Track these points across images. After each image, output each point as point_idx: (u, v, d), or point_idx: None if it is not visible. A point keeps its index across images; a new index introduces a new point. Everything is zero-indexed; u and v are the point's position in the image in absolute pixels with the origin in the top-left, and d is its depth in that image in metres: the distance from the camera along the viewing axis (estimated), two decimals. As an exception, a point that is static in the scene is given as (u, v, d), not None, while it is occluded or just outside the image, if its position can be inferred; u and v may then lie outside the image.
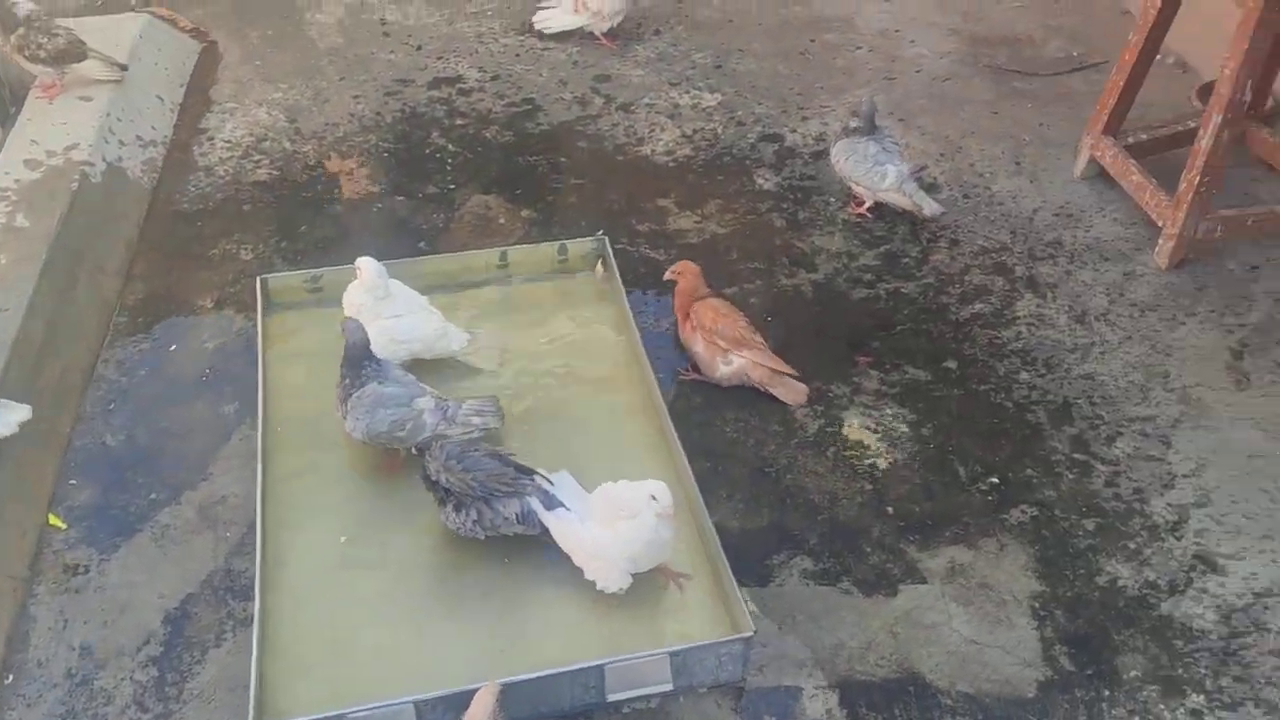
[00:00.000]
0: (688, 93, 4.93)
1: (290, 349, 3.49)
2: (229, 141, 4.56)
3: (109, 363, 3.56)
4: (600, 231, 4.03)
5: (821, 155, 4.53)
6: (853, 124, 4.42)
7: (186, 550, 3.01)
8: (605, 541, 2.75)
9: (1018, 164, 4.53)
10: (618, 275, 3.66)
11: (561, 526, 2.80)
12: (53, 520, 3.05)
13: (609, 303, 3.68)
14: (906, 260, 4.05)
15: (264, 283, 3.60)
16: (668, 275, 3.56)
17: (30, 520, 3.02)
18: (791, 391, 3.46)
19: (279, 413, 3.25)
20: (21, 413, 3.01)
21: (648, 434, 3.21)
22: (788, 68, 5.12)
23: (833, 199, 4.32)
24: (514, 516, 2.78)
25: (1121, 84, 4.22)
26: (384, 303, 3.30)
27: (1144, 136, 4.40)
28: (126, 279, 3.87)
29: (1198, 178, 3.84)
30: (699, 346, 3.47)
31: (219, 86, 4.89)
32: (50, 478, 3.15)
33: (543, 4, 5.32)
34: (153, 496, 3.14)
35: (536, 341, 3.53)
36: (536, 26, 5.25)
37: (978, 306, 3.86)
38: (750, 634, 2.62)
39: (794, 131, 4.70)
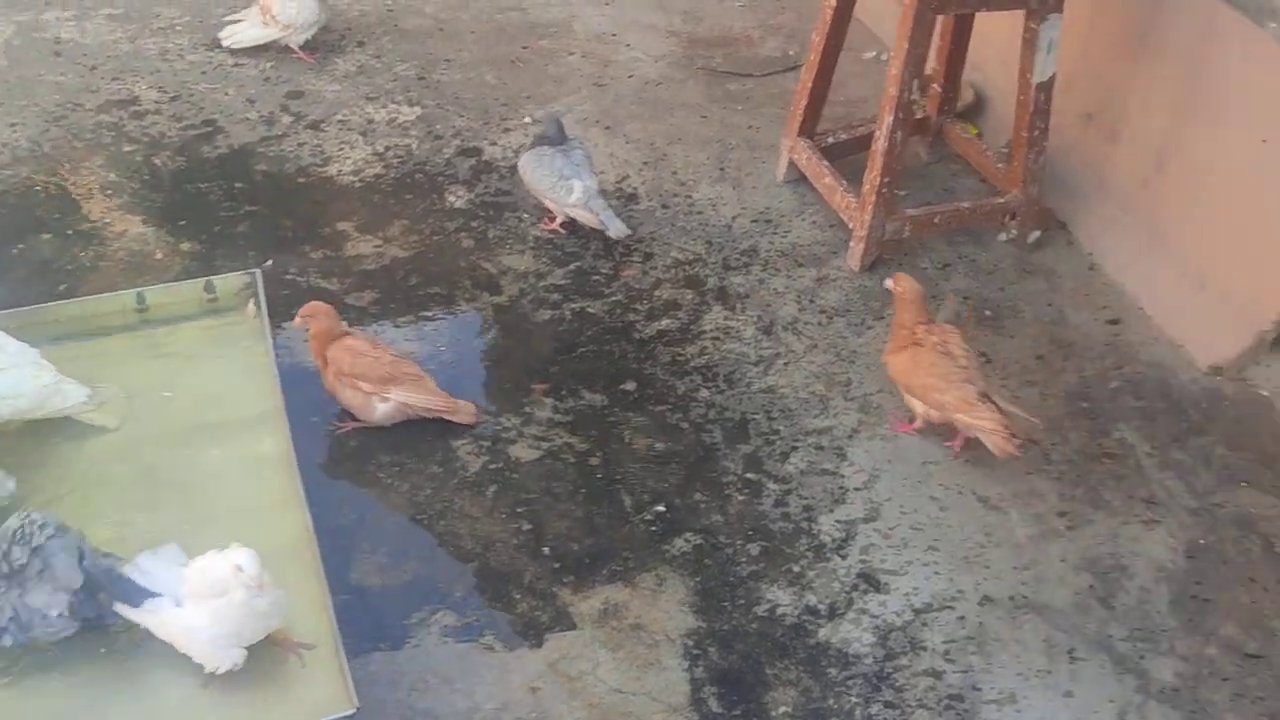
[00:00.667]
0: (385, 107, 4.67)
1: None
2: None
3: None
4: (269, 263, 3.75)
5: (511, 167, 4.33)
6: (536, 131, 4.20)
7: None
8: (201, 623, 2.46)
9: (721, 170, 4.43)
10: (265, 313, 3.36)
11: (151, 618, 2.50)
12: None
13: (261, 344, 3.38)
14: (596, 278, 3.88)
15: None
16: (296, 322, 3.27)
17: None
18: (461, 413, 3.25)
19: None
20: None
21: (280, 489, 2.93)
22: (496, 77, 4.91)
23: (526, 215, 4.13)
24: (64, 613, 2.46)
25: (810, 84, 4.14)
26: (-22, 358, 2.94)
27: (843, 137, 4.34)
28: None
29: (878, 178, 3.79)
30: (346, 394, 3.21)
31: None
32: None
33: (230, 17, 4.96)
34: None
35: (169, 392, 3.21)
36: (225, 43, 4.89)
37: (664, 323, 3.72)
38: (350, 711, 2.38)
39: (494, 144, 4.49)
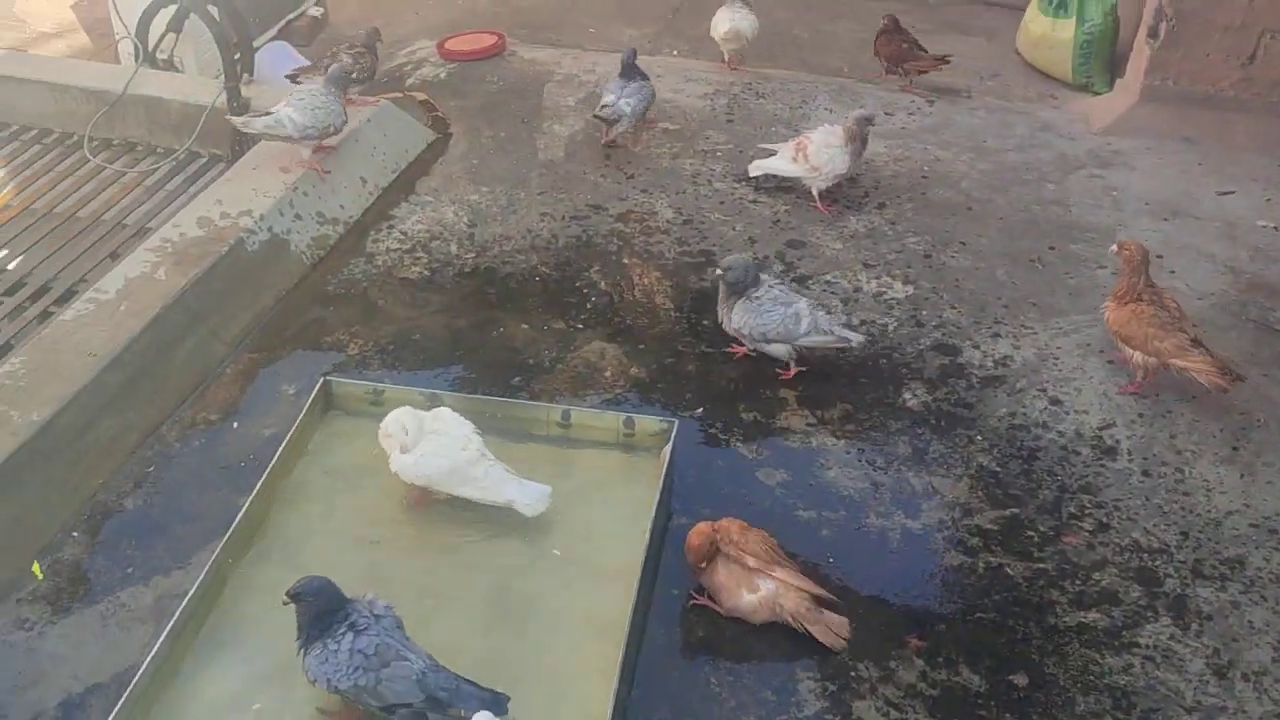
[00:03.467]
0: (879, 278, 4.47)
1: (320, 460, 3.42)
2: (404, 234, 4.64)
3: (174, 426, 3.66)
4: (699, 411, 3.72)
5: (994, 381, 3.93)
6: (730, 279, 3.85)
7: (123, 637, 2.98)
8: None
9: (1234, 449, 3.69)
10: (666, 464, 3.29)
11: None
12: (35, 568, 3.13)
13: (652, 495, 3.31)
14: (1031, 534, 3.38)
15: (327, 385, 3.58)
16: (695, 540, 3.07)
17: (15, 560, 3.11)
18: (831, 629, 2.95)
19: (268, 520, 3.17)
20: None
21: (604, 657, 2.81)
22: (1008, 274, 4.52)
23: (980, 437, 3.71)
24: None
25: None
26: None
27: None
28: (236, 348, 3.99)
29: None
30: (719, 574, 3.02)
31: (428, 179, 5.03)
32: (56, 525, 3.25)
33: (765, 145, 5.04)
34: (128, 570, 3.16)
35: (553, 514, 3.24)
36: (751, 172, 4.99)
37: (1092, 615, 3.13)
38: None
39: (976, 348, 4.12)
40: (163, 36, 5.41)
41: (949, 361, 4.05)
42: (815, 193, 4.86)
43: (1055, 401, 3.87)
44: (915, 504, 3.47)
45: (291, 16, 6.58)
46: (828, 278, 4.47)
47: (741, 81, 5.93)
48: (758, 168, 4.96)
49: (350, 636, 2.58)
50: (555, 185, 5.01)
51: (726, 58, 6.07)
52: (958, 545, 3.34)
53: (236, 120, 4.54)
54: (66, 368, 3.51)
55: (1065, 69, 6.38)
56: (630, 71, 5.21)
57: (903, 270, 4.53)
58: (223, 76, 5.18)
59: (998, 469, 3.59)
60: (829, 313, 4.01)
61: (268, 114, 4.47)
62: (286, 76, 5.33)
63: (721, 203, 4.93)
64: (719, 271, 3.86)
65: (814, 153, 4.76)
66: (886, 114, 5.66)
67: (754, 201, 4.94)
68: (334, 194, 4.65)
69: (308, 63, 5.94)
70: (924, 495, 3.50)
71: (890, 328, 4.21)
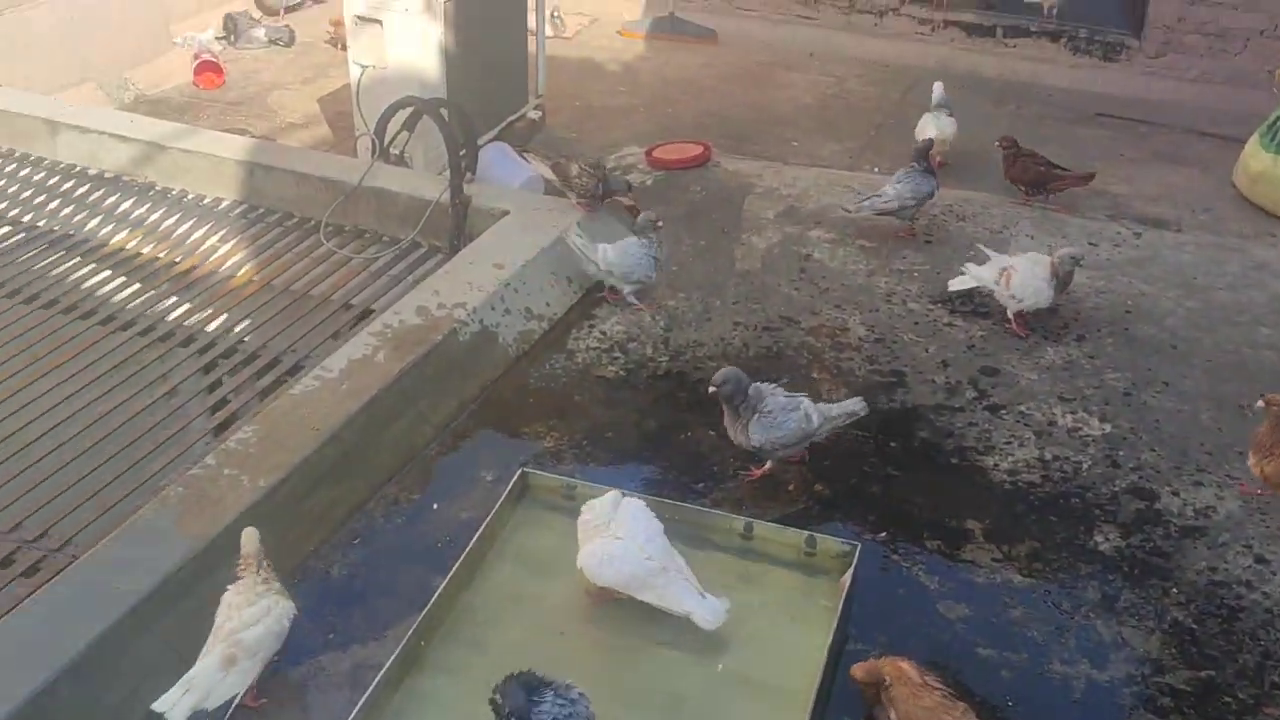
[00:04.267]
0: (1074, 413, 4.39)
1: (512, 548, 3.58)
2: (603, 334, 4.84)
3: (380, 502, 3.90)
4: (881, 535, 3.72)
5: (1194, 532, 3.79)
6: (724, 393, 3.86)
7: (319, 700, 3.17)
8: None
9: None
10: (847, 592, 3.30)
11: None
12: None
13: (828, 624, 3.32)
14: (1230, 700, 3.22)
15: (524, 477, 3.75)
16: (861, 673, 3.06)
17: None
18: None
19: (459, 603, 3.34)
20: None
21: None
22: (1214, 419, 4.37)
23: (1175, 589, 3.58)
24: None
25: None
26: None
27: None
28: (442, 432, 4.23)
29: None
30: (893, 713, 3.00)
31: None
32: (267, 588, 3.50)
33: (969, 266, 5.04)
34: (330, 636, 3.36)
35: (731, 628, 3.28)
36: (951, 287, 5.00)
37: (1293, 797, 2.95)
38: None
39: (1175, 494, 3.98)
40: (396, 134, 5.85)
41: (1145, 507, 3.93)
42: (1011, 314, 4.84)
43: (1261, 560, 3.69)
44: (1103, 654, 3.36)
45: (512, 118, 7.02)
46: (1021, 408, 4.42)
47: (943, 203, 5.95)
48: (959, 283, 4.96)
49: None
50: (750, 295, 5.14)
51: (938, 160, 6.33)
52: (1147, 704, 3.21)
53: (572, 239, 4.87)
54: (291, 439, 3.80)
55: (1286, 207, 6.18)
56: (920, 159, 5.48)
57: (1100, 407, 4.43)
58: (448, 173, 5.56)
59: (1194, 626, 3.45)
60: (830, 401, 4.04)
61: (594, 247, 4.83)
62: (520, 151, 5.56)
63: (915, 323, 4.95)
64: (712, 389, 3.87)
65: (1018, 283, 4.75)
66: (1091, 244, 5.58)
67: (949, 324, 4.94)
68: (541, 292, 4.90)
69: (526, 163, 6.31)
70: (1112, 646, 3.39)
71: (1084, 466, 4.12)
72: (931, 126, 6.49)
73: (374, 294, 5.11)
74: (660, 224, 5.00)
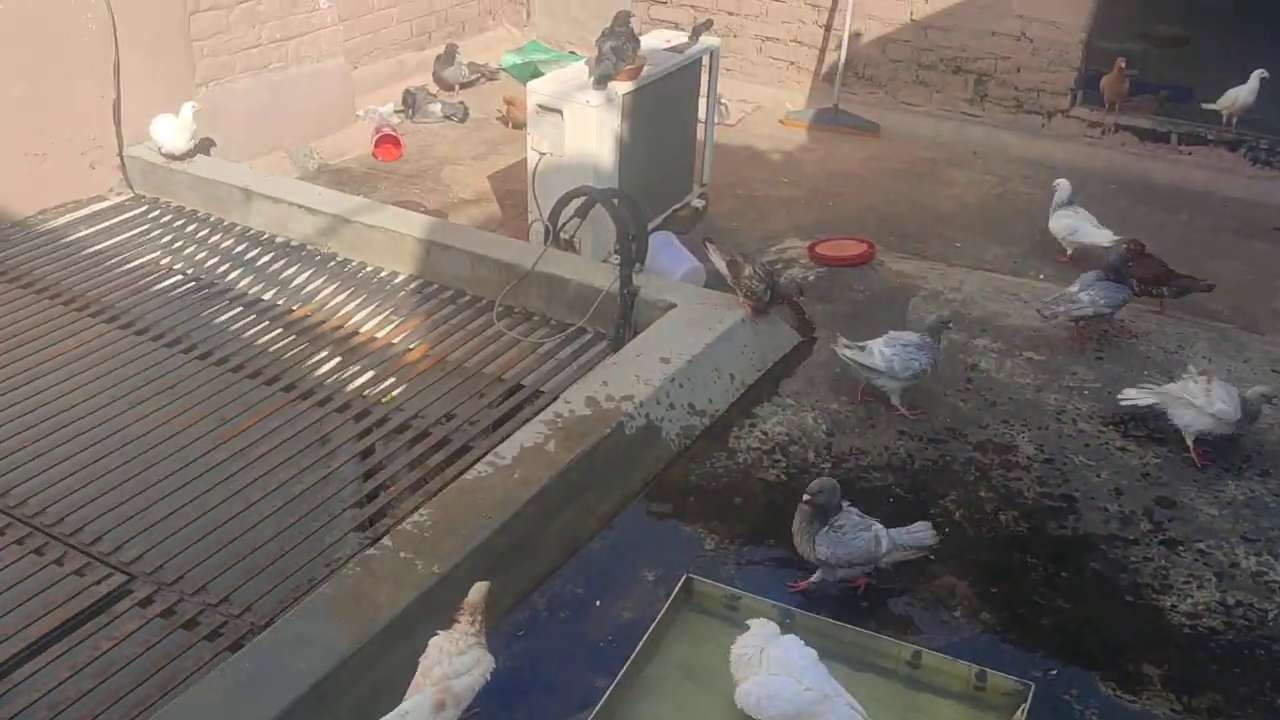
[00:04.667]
0: (1259, 555, 4.20)
1: (675, 657, 3.59)
2: (764, 434, 4.85)
3: (544, 595, 3.96)
4: (1052, 673, 3.60)
5: (1393, 699, 3.57)
6: (818, 502, 3.85)
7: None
8: None
9: None
10: (1023, 733, 3.21)
11: None
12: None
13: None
14: None
15: (688, 583, 3.77)
16: None
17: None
18: None
19: (619, 712, 3.35)
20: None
21: None
22: None
23: (1374, 761, 3.37)
24: None
25: None
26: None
27: None
28: (605, 526, 4.28)
29: None
30: None
31: (790, 381, 5.24)
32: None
33: (1144, 384, 4.90)
34: (488, 729, 3.42)
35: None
36: (1122, 401, 4.87)
37: None
38: None
39: (1372, 655, 3.76)
40: (567, 221, 6.02)
41: (1340, 666, 3.72)
42: (1190, 441, 4.67)
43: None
44: (1293, 826, 3.18)
45: (677, 206, 7.14)
46: (1201, 546, 4.24)
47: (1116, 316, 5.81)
48: (1129, 398, 4.84)
49: None
50: (915, 404, 5.08)
51: (1069, 253, 6.75)
52: None
53: (843, 351, 4.90)
54: (465, 525, 3.90)
55: None
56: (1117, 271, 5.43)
57: (1289, 551, 4.23)
58: (616, 260, 5.68)
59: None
60: (902, 528, 3.94)
61: (860, 348, 4.87)
62: (705, 241, 5.62)
63: (1086, 445, 4.82)
64: (807, 496, 3.83)
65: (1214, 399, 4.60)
66: (1274, 370, 5.37)
67: (1122, 449, 4.80)
68: (705, 388, 4.94)
69: (689, 253, 6.41)
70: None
71: (1270, 615, 3.93)
72: (1087, 226, 6.63)
73: (540, 377, 5.24)
74: (952, 325, 5.09)
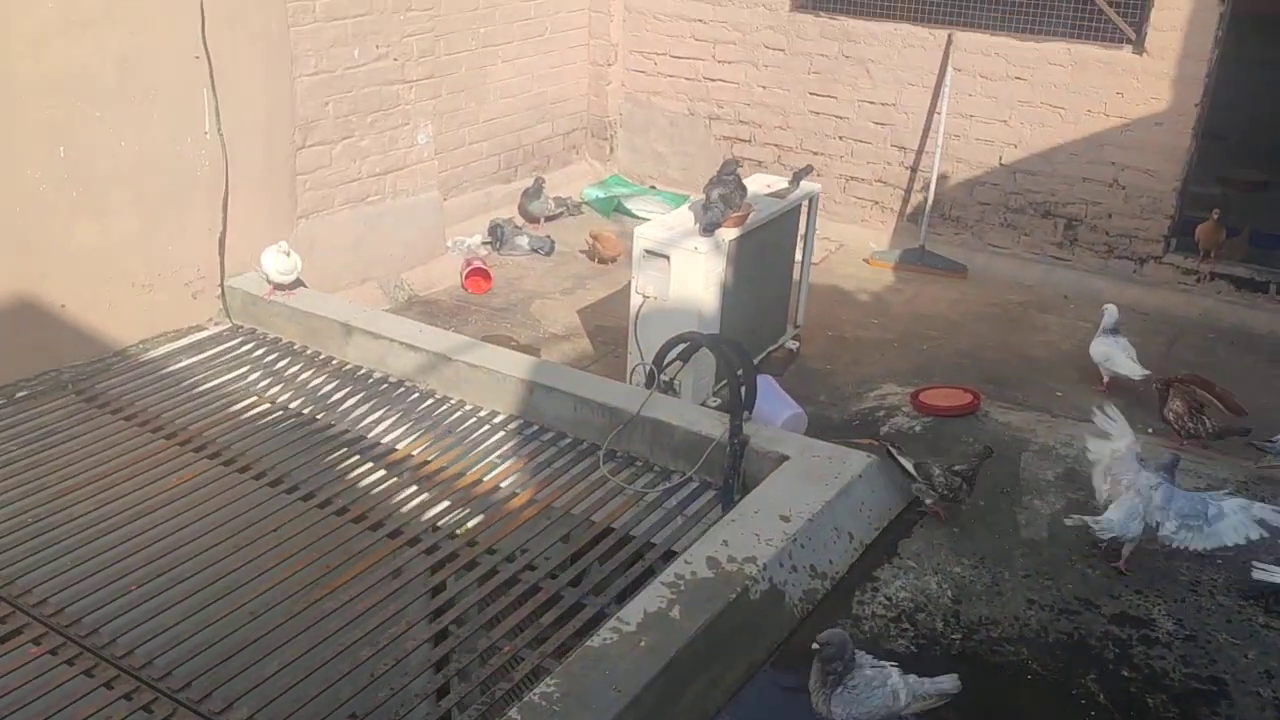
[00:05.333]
0: None
1: None
2: (888, 599, 4.67)
3: (675, 774, 3.76)
4: None
5: None
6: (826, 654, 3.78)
7: None
8: None
9: None
10: None
11: None
12: None
13: None
14: None
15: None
16: None
17: None
18: None
19: None
20: None
21: None
22: None
23: None
24: None
25: None
26: None
27: None
28: (729, 699, 4.09)
29: None
30: None
31: (909, 541, 5.07)
32: None
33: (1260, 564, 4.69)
34: None
35: None
36: (1254, 574, 4.65)
37: None
38: None
39: None
40: (670, 363, 5.96)
41: None
42: None
43: None
44: None
45: (772, 348, 7.09)
46: (1367, 740, 3.99)
47: (1237, 480, 5.62)
48: (1266, 574, 4.64)
49: None
50: (1040, 569, 4.89)
51: (1105, 380, 6.94)
52: None
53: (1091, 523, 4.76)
54: (594, 699, 3.73)
55: None
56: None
57: None
58: (715, 404, 5.60)
59: None
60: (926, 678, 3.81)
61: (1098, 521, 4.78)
62: (888, 450, 5.40)
63: (1228, 620, 4.59)
64: (815, 646, 3.73)
65: None
66: None
67: (1265, 626, 4.57)
68: (825, 548, 4.79)
69: (790, 399, 6.32)
70: None
71: None
72: (1121, 356, 6.80)
73: (650, 528, 5.11)
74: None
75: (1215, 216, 8.12)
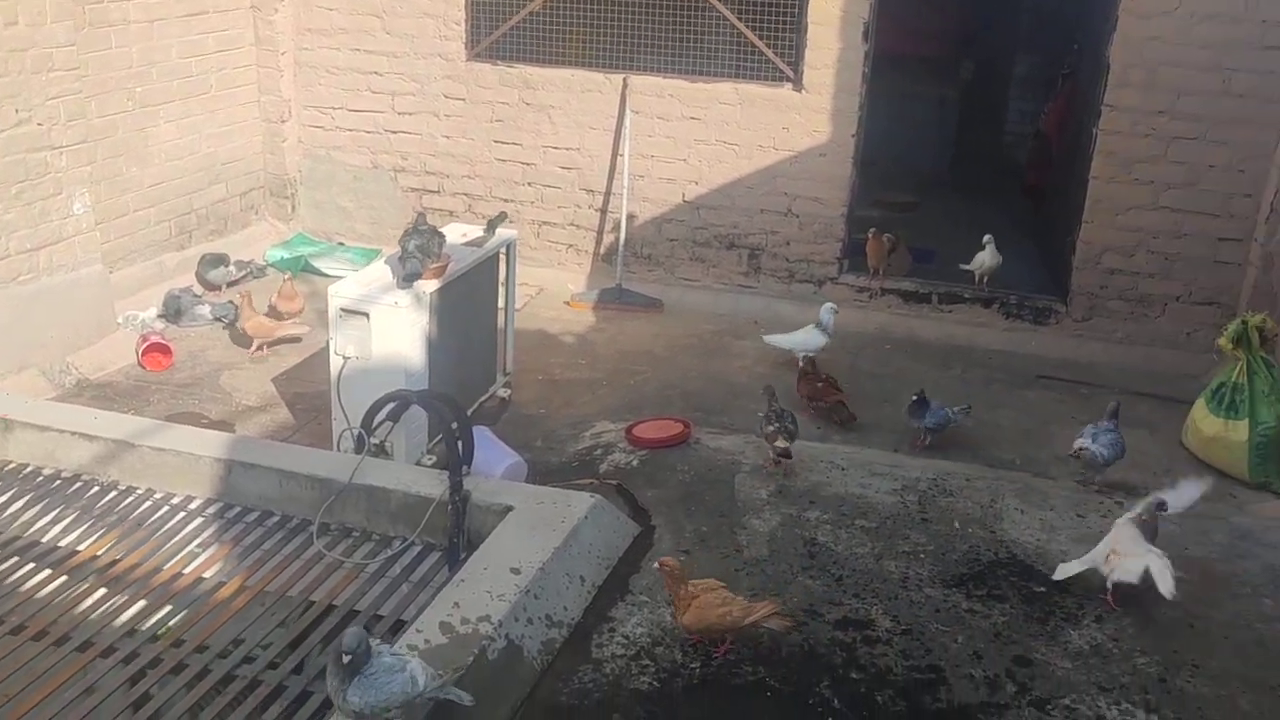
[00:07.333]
0: (1118, 704, 4.33)
1: None
2: (626, 638, 4.64)
3: None
4: None
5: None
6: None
7: None
8: None
9: None
10: None
11: None
12: None
13: None
14: None
15: (593, 823, 3.47)
16: None
17: None
18: None
19: None
20: None
21: None
22: (1253, 703, 4.36)
23: None
24: None
25: None
26: None
27: None
28: (480, 768, 3.92)
29: None
30: None
31: (639, 577, 5.08)
32: None
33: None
34: None
35: None
36: (1056, 576, 5.06)
37: None
38: None
39: (1244, 794, 3.91)
40: (380, 424, 5.71)
41: (1221, 811, 3.84)
42: (1110, 585, 4.90)
43: None
44: None
45: (484, 398, 6.97)
46: (1066, 702, 4.34)
47: (926, 477, 6.05)
48: (1064, 572, 5.03)
49: None
50: (766, 587, 5.03)
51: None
52: None
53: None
54: (333, 793, 3.45)
55: (1241, 468, 6.47)
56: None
57: (1141, 695, 4.39)
58: (431, 462, 5.42)
59: None
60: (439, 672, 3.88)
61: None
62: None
63: (937, 610, 4.90)
64: (347, 656, 3.63)
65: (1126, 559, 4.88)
66: (1078, 515, 5.70)
67: (969, 610, 4.91)
68: (559, 595, 4.71)
69: (507, 448, 6.22)
70: None
71: (1147, 766, 4.03)
72: (801, 335, 8.00)
73: (377, 599, 4.84)
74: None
75: (872, 233, 8.80)
